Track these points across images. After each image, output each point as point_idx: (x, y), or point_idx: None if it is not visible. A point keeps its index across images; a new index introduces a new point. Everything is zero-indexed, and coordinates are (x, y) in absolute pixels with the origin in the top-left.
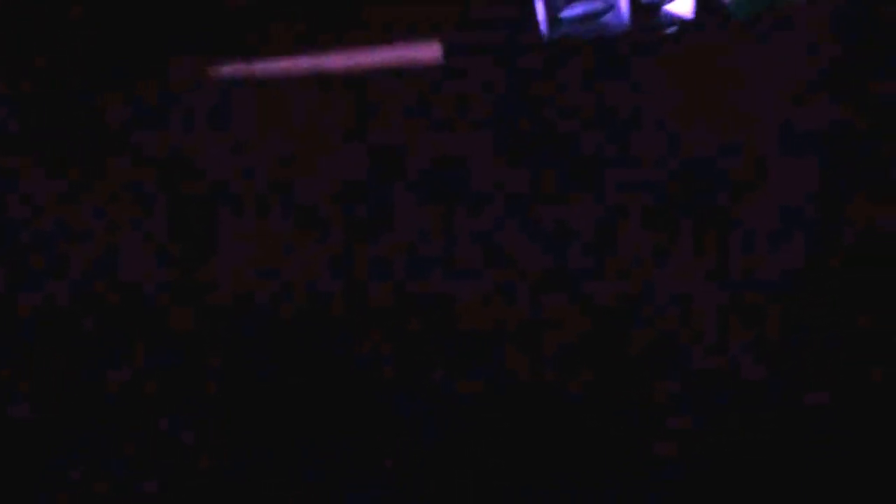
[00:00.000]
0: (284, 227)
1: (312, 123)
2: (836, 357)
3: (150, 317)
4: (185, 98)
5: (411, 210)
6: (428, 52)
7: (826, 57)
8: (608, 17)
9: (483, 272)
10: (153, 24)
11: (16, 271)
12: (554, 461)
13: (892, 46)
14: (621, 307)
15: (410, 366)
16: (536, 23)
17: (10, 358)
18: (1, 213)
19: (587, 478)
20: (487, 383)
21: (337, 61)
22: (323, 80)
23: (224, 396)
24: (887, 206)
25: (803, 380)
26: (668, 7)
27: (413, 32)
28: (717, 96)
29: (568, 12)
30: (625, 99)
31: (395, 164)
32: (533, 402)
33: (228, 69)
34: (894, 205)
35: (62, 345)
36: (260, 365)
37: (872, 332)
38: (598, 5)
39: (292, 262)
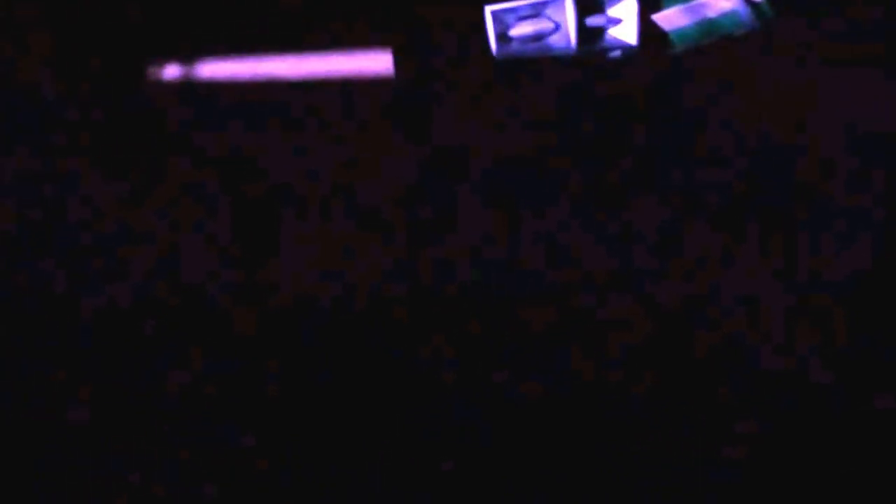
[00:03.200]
0: (347, 229)
1: (375, 125)
2: None
3: (212, 319)
4: (247, 97)
5: (475, 212)
6: (379, 63)
7: (893, 57)
8: (554, 39)
9: (547, 274)
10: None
11: (77, 274)
12: (619, 464)
13: None
14: (687, 309)
15: (473, 368)
16: (487, 39)
17: (71, 361)
18: (62, 216)
19: (653, 481)
20: (551, 385)
21: (288, 67)
22: (383, 83)
23: (285, 400)
24: None
25: (872, 382)
26: (613, 32)
27: (365, 44)
28: (784, 98)
29: (516, 31)
30: (691, 100)
31: (458, 166)
32: (597, 405)
33: (168, 70)
34: None
35: (123, 347)
36: (322, 368)
37: None
38: (546, 26)
39: (355, 264)
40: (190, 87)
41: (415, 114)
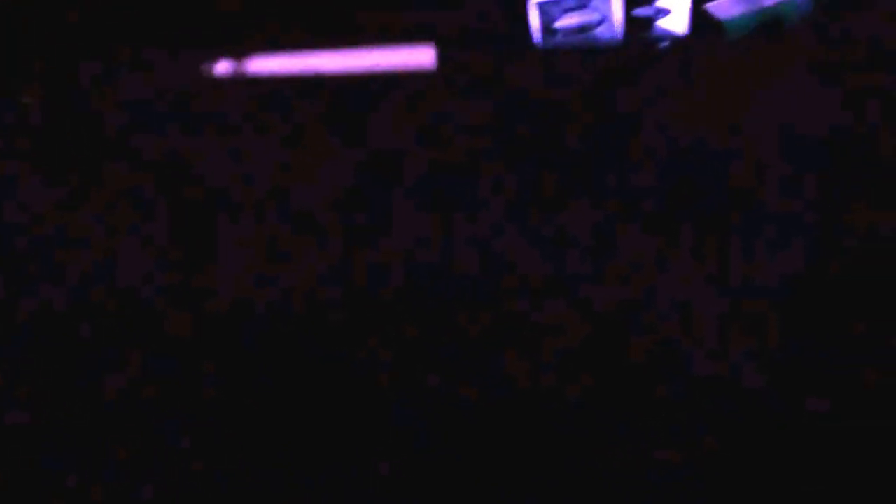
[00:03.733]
0: (283, 232)
1: (310, 128)
2: (835, 363)
3: (148, 322)
4: (183, 101)
5: (409, 216)
6: (422, 57)
7: (824, 63)
8: (601, 30)
9: (482, 278)
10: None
11: (14, 277)
12: (553, 467)
13: (885, 54)
14: (621, 313)
15: (409, 371)
16: (530, 32)
17: (8, 363)
18: None
19: (587, 483)
20: (486, 389)
21: (331, 63)
22: (319, 83)
23: (221, 402)
24: (887, 212)
25: (803, 386)
26: (662, 22)
27: (408, 38)
28: (717, 102)
29: (562, 23)
30: (624, 104)
31: (393, 170)
32: (532, 408)
33: (221, 67)
34: (894, 210)
35: (60, 350)
36: (258, 371)
37: (871, 338)
38: (592, 18)
39: (291, 268)
40: (127, 90)
41: (351, 117)
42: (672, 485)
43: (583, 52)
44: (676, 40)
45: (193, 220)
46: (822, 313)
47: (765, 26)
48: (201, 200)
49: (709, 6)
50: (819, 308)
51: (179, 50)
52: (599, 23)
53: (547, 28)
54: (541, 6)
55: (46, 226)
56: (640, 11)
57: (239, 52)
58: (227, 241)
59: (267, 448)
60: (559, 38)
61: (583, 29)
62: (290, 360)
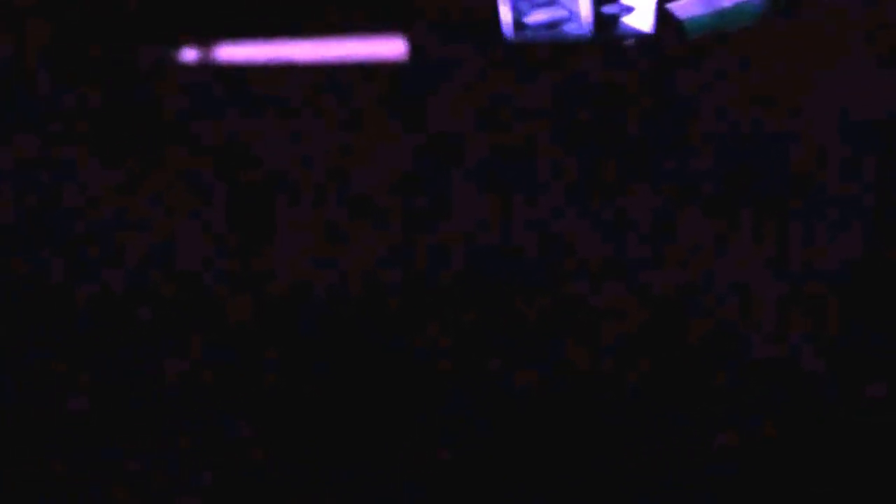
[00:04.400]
0: (342, 216)
1: (369, 110)
2: (894, 348)
3: (208, 307)
4: (242, 84)
5: (470, 199)
6: (393, 48)
7: (885, 48)
8: (570, 26)
9: (541, 262)
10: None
11: (73, 262)
12: (612, 452)
13: None
14: (680, 297)
15: (469, 356)
16: (500, 26)
17: (69, 349)
18: (58, 204)
19: (646, 468)
20: (545, 374)
21: (302, 52)
22: (378, 70)
23: (281, 387)
24: None
25: (863, 371)
26: (628, 20)
27: (379, 29)
28: (776, 87)
29: (531, 18)
30: (685, 88)
31: (454, 154)
32: (591, 393)
33: (191, 54)
34: None
35: (120, 335)
36: (317, 356)
37: None
38: (561, 14)
39: (350, 251)
40: (186, 75)
41: (411, 101)
42: (731, 470)
43: (552, 46)
44: (642, 38)
45: (252, 203)
46: (881, 298)
47: (723, 27)
48: (260, 184)
49: (670, 6)
50: (878, 292)
51: (235, 33)
52: (568, 19)
53: (517, 23)
54: (511, 1)
55: (105, 210)
56: (607, 9)
57: (295, 34)
58: (285, 224)
59: (327, 434)
60: (528, 33)
61: (552, 25)
62: (349, 345)
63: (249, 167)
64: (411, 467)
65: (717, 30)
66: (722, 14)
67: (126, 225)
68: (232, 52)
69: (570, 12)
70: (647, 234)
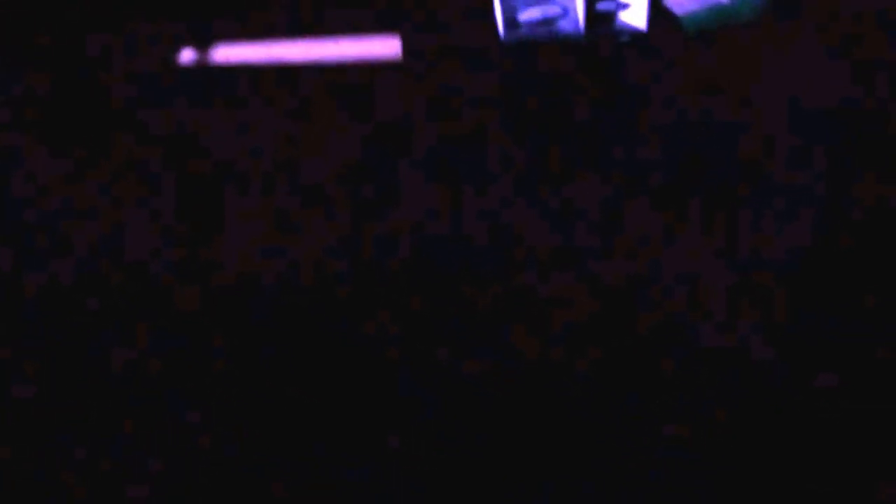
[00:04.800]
0: (291, 205)
1: (318, 101)
2: (844, 336)
3: (156, 295)
4: (191, 75)
5: (418, 188)
6: (387, 48)
7: (835, 36)
8: (563, 23)
9: (490, 251)
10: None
11: (21, 251)
12: (560, 441)
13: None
14: (629, 286)
15: (417, 345)
16: (495, 24)
17: (15, 338)
18: (5, 193)
19: (593, 456)
20: (494, 362)
21: (298, 52)
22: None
23: (229, 376)
24: (894, 185)
25: (812, 359)
26: (622, 16)
27: (374, 29)
28: (725, 75)
29: (525, 16)
30: (634, 76)
31: (402, 143)
32: (540, 381)
33: (190, 55)
34: None
35: (67, 324)
36: (266, 344)
37: (880, 311)
38: (554, 11)
39: (299, 241)
40: (134, 63)
41: (359, 89)
42: (680, 459)
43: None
44: (636, 34)
45: (200, 193)
46: (830, 286)
47: (721, 22)
48: (208, 173)
49: (667, 1)
50: (827, 281)
51: (187, 21)
52: (561, 16)
53: (510, 21)
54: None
55: (53, 198)
56: (601, 5)
57: (245, 24)
58: (234, 214)
59: (274, 422)
60: (522, 30)
61: (545, 22)
62: (297, 334)
63: (198, 156)
64: (359, 455)
65: (715, 26)
66: (720, 10)
67: (74, 214)
68: (179, 40)
69: (564, 9)
70: (597, 224)
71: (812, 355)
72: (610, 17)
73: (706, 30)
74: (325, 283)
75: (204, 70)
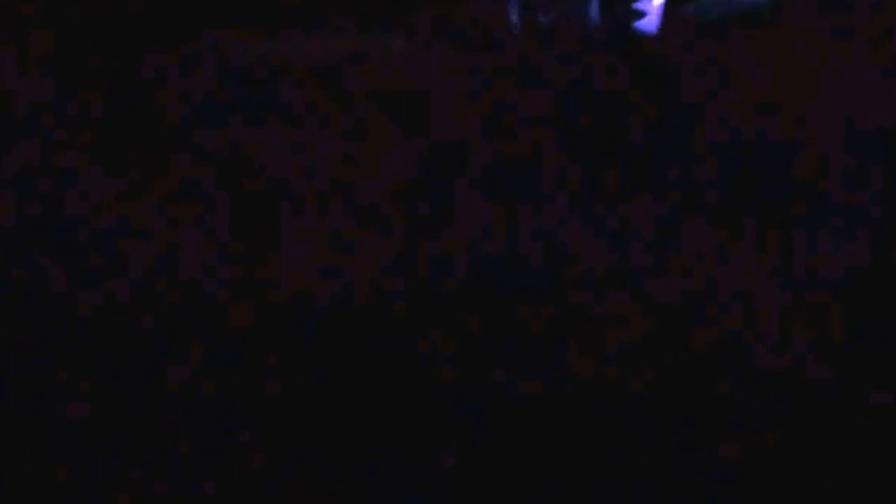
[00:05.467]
0: (346, 224)
1: (372, 119)
2: None
3: (211, 314)
4: (245, 94)
5: (473, 207)
6: (398, 42)
7: (890, 56)
8: (579, 21)
9: (545, 270)
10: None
11: (75, 270)
12: (616, 461)
13: None
14: (684, 305)
15: (472, 365)
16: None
17: (71, 357)
18: (60, 212)
19: (650, 477)
20: (550, 382)
21: (308, 48)
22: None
23: (284, 396)
24: None
25: (868, 379)
26: (635, 16)
27: (384, 24)
28: (781, 94)
29: (539, 20)
30: (689, 95)
31: (457, 162)
32: (595, 401)
33: (194, 62)
34: None
35: (122, 343)
36: (321, 364)
37: None
38: (570, 11)
39: (354, 260)
40: (189, 83)
41: (415, 108)
42: (735, 480)
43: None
44: (649, 33)
45: (255, 211)
46: (886, 306)
47: (732, 12)
48: (263, 192)
49: None
50: (883, 300)
51: (240, 43)
52: (579, 14)
53: (524, 25)
54: (518, 4)
55: (108, 218)
56: (617, 9)
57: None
58: (289, 232)
59: (329, 442)
60: (536, 34)
61: (562, 18)
62: (352, 353)
63: (253, 175)
64: (415, 476)
65: (726, 16)
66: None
67: (129, 232)
68: (236, 60)
69: (582, 9)
70: (651, 243)
71: (868, 375)
72: (626, 19)
73: (716, 20)
74: (381, 302)
75: (258, 88)
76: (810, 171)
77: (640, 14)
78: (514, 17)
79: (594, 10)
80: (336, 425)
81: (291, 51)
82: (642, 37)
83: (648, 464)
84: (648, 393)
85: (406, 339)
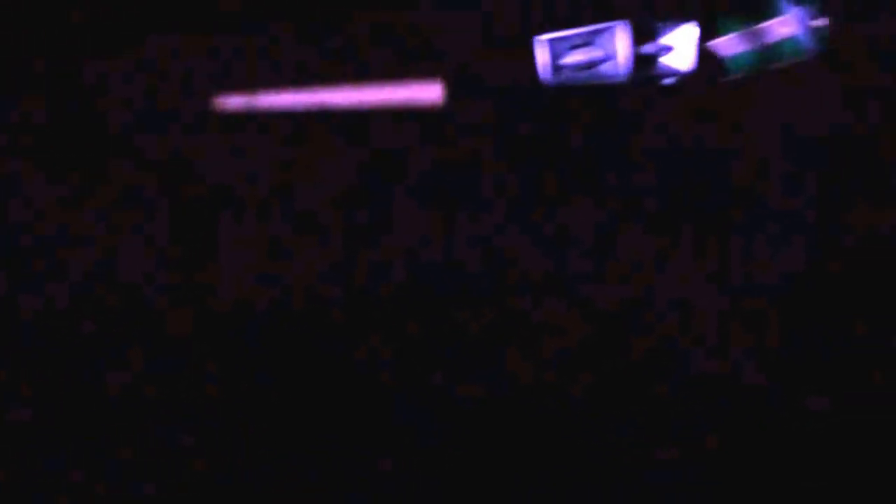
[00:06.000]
0: (284, 231)
1: (313, 127)
2: (836, 361)
3: (150, 320)
4: (187, 102)
5: (411, 214)
6: (429, 93)
7: (827, 63)
8: (606, 67)
9: (483, 275)
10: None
11: (16, 275)
12: (554, 464)
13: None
14: (622, 311)
15: (411, 369)
16: (536, 69)
17: (11, 361)
18: (2, 217)
19: (587, 480)
20: (488, 386)
21: (339, 98)
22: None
23: (223, 400)
24: (886, 211)
25: (804, 384)
26: (667, 59)
27: (415, 73)
28: (719, 100)
29: (567, 60)
30: (627, 102)
31: (395, 169)
32: (534, 406)
33: (234, 101)
34: (894, 209)
35: (62, 347)
36: (259, 369)
37: (872, 336)
38: (598, 55)
39: (292, 266)
40: (130, 89)
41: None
42: (672, 483)
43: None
44: (681, 76)
45: (195, 218)
46: (822, 311)
47: (766, 65)
48: (203, 199)
49: (711, 44)
50: (819, 306)
51: (180, 48)
52: (605, 60)
53: (553, 64)
54: (547, 42)
55: (49, 224)
56: (645, 49)
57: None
58: (228, 239)
59: (268, 446)
60: (565, 74)
61: (588, 66)
62: (291, 358)
63: (192, 182)
64: (353, 478)
65: (760, 67)
66: (765, 51)
67: (69, 239)
68: (175, 67)
69: (608, 53)
70: (589, 249)
71: (803, 379)
72: (653, 60)
73: (751, 72)
74: (319, 307)
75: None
76: (748, 177)
77: (668, 49)
78: (541, 58)
79: (622, 48)
80: (276, 430)
81: (232, 57)
82: (677, 77)
83: (587, 467)
84: (587, 397)
85: (345, 344)
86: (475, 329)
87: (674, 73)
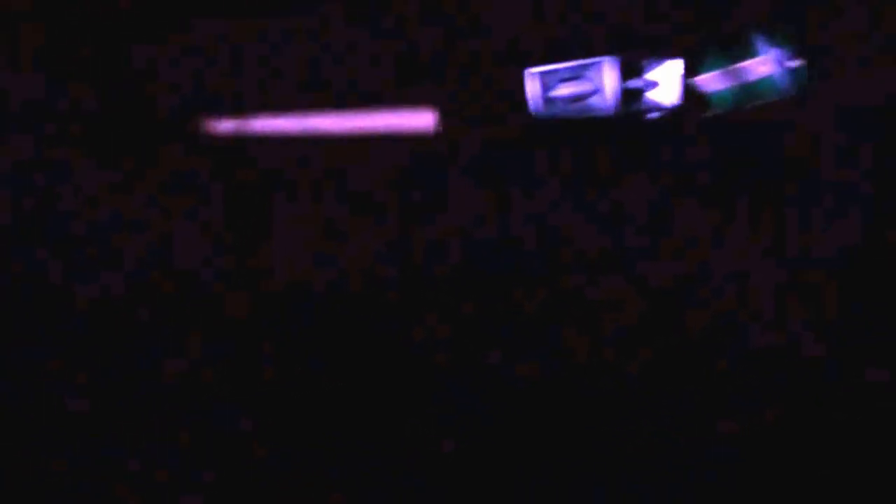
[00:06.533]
0: (339, 212)
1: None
2: (894, 332)
3: (206, 305)
4: (235, 84)
5: (466, 193)
6: (421, 121)
7: (881, 35)
8: (594, 100)
9: (538, 254)
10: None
11: (71, 263)
12: (614, 441)
13: None
14: (678, 287)
15: (467, 349)
16: (526, 100)
17: (68, 350)
18: (55, 206)
19: (648, 456)
20: (545, 365)
21: (332, 124)
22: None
23: (281, 383)
24: None
25: (863, 356)
26: (652, 94)
27: (408, 102)
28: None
29: (556, 93)
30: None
31: (449, 149)
32: (591, 383)
33: (225, 126)
34: None
35: (119, 335)
36: (316, 351)
37: None
38: (587, 88)
39: (347, 247)
40: (179, 73)
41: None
42: (732, 457)
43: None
44: (666, 111)
45: (248, 201)
46: (879, 282)
47: (747, 102)
48: (256, 182)
49: (695, 80)
50: (876, 277)
51: (230, 33)
52: (593, 93)
53: (543, 96)
54: (538, 75)
55: (102, 211)
56: (632, 83)
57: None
58: (282, 221)
59: (327, 429)
60: (555, 106)
61: (577, 99)
62: (347, 340)
63: (245, 165)
64: (413, 460)
65: (742, 104)
66: (747, 88)
67: (123, 225)
68: (224, 51)
69: (596, 87)
70: (644, 226)
71: (862, 351)
72: (640, 94)
73: (733, 107)
74: (374, 288)
75: (249, 78)
76: (802, 150)
77: (654, 85)
78: (531, 91)
79: (610, 82)
80: (334, 412)
81: (281, 41)
82: (661, 112)
83: (647, 444)
84: (644, 374)
85: (401, 325)
86: (531, 308)
87: (659, 107)
